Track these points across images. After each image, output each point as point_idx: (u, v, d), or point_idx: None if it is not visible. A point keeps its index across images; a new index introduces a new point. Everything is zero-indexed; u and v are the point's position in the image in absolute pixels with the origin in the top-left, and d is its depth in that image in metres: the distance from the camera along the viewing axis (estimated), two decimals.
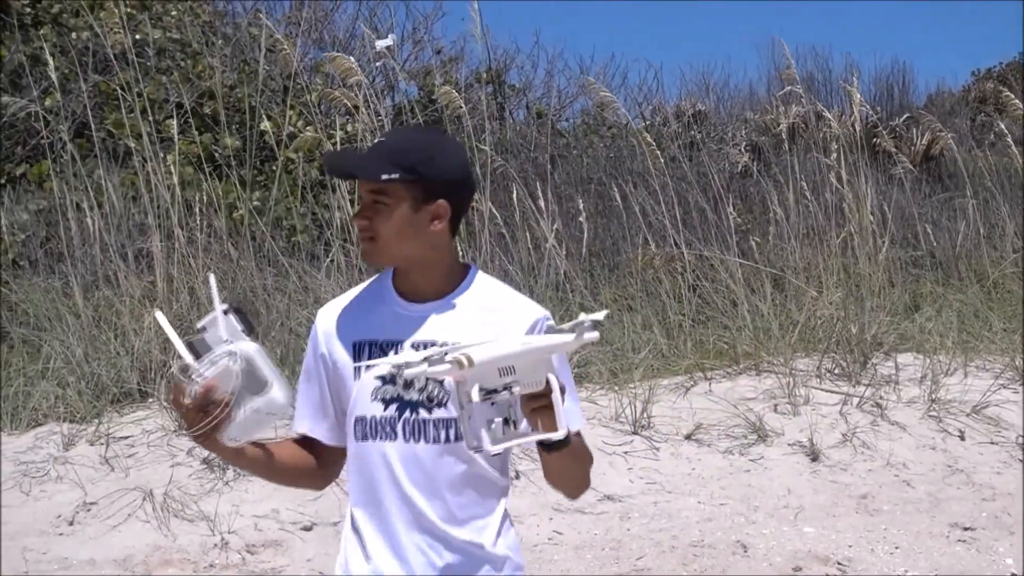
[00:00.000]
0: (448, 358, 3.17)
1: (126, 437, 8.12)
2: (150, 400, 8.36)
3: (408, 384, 3.55)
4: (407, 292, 3.63)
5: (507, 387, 3.23)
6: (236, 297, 9.04)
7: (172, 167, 9.72)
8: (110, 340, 8.66)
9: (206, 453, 7.93)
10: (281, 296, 9.31)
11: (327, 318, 3.74)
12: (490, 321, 3.54)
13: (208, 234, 9.69)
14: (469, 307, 3.60)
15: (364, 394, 3.62)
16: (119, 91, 10.12)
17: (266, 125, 11.04)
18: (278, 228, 10.43)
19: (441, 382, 3.50)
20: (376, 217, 3.52)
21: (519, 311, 3.62)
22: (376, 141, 3.56)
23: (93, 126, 10.14)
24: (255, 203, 10.40)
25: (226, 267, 9.45)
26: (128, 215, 9.62)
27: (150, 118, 10.06)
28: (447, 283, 3.63)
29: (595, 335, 3.30)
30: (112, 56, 10.78)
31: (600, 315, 3.30)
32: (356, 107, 10.19)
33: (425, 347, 3.49)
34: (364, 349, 3.61)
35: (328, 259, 9.85)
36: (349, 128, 11.00)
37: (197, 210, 9.73)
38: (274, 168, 11.01)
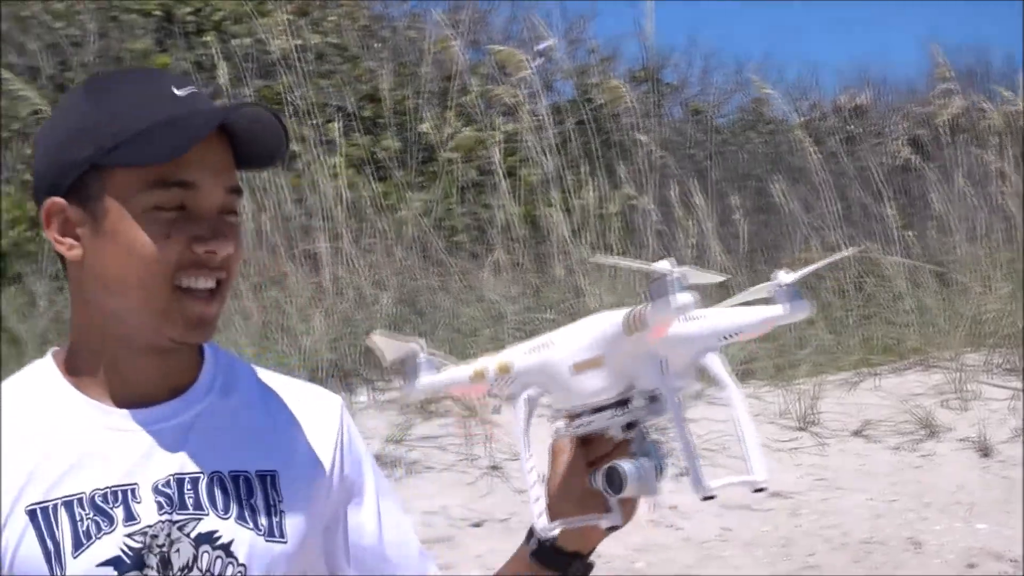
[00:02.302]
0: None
1: None
2: None
3: (166, 562, 2.01)
4: (122, 391, 2.09)
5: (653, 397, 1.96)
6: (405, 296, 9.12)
7: (336, 169, 9.85)
8: (279, 340, 8.78)
9: (376, 450, 8.03)
10: (445, 295, 9.38)
11: None
12: (275, 426, 2.15)
13: (372, 235, 9.80)
14: (232, 404, 2.15)
15: None
16: (285, 94, 10.27)
17: (426, 126, 11.13)
18: (439, 228, 10.50)
19: (227, 547, 2.04)
20: (234, 241, 2.08)
21: (314, 401, 2.22)
22: (208, 103, 2.12)
23: None
24: (416, 204, 10.49)
25: (390, 267, 9.55)
26: (294, 217, 9.76)
27: (312, 122, 10.19)
28: (189, 367, 2.14)
29: (805, 307, 2.00)
30: (275, 61, 10.93)
31: (794, 276, 1.98)
32: (516, 106, 10.24)
33: (186, 485, 2.05)
34: (56, 517, 2.00)
35: (490, 258, 9.91)
36: (509, 128, 11.04)
37: (360, 211, 9.86)
38: (434, 169, 11.10)
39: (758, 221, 11.88)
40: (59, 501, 2.00)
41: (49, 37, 11.81)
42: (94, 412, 2.07)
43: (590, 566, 2.14)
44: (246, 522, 2.06)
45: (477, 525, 7.61)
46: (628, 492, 1.97)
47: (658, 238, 10.33)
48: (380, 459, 8.04)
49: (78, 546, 1.99)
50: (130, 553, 2.00)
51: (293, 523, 2.10)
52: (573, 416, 2.02)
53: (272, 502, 2.09)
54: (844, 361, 9.71)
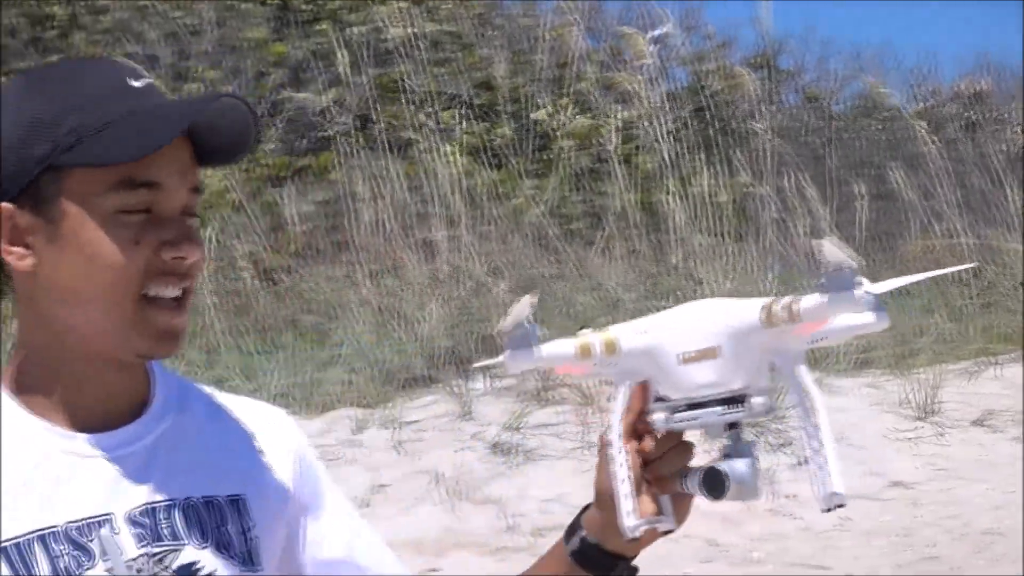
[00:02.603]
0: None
1: (415, 422, 8.28)
2: (437, 386, 8.51)
3: None
4: (79, 413, 1.88)
5: (739, 398, 1.82)
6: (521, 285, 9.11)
7: (452, 157, 9.88)
8: (396, 327, 8.83)
9: (492, 437, 8.06)
10: (561, 283, 9.37)
11: None
12: (233, 445, 1.99)
13: (487, 222, 9.82)
14: (190, 424, 1.96)
15: None
16: (401, 82, 10.32)
17: (540, 113, 11.13)
18: (554, 216, 10.50)
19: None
20: (200, 245, 1.91)
21: (264, 417, 2.05)
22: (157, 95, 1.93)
23: (380, 117, 10.36)
24: (531, 191, 10.50)
25: (507, 256, 9.56)
26: (409, 205, 9.80)
27: (430, 109, 10.24)
28: (143, 384, 1.94)
29: (887, 319, 1.79)
30: (392, 49, 10.98)
31: (882, 286, 1.78)
32: (632, 93, 10.22)
33: (160, 514, 1.88)
34: (31, 553, 1.81)
35: (605, 246, 9.88)
36: (624, 115, 11.00)
37: (475, 199, 9.88)
38: (548, 156, 11.10)
39: (876, 209, 11.76)
40: (32, 536, 1.80)
41: (167, 26, 11.95)
42: (54, 437, 1.85)
43: (635, 570, 1.95)
44: (222, 552, 1.91)
45: None
46: (730, 496, 1.82)
47: (774, 226, 10.25)
48: (496, 447, 8.06)
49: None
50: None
51: (265, 548, 1.96)
52: (670, 410, 1.86)
53: (244, 528, 1.93)
54: (964, 350, 9.59)
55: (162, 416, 1.91)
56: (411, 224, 9.75)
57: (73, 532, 1.81)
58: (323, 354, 8.86)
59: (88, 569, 1.80)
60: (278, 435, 2.02)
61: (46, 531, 1.80)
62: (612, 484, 1.86)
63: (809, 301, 1.73)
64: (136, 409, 1.90)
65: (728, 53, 13.60)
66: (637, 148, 10.61)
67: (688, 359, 1.82)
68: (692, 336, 1.84)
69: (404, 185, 9.96)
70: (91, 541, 1.81)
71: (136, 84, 1.87)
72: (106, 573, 1.80)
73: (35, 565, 1.79)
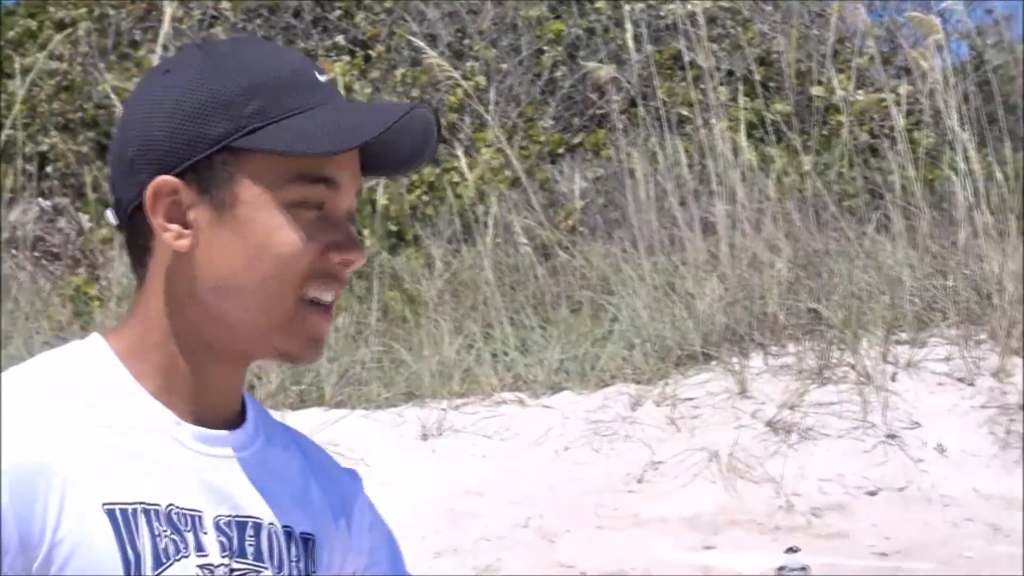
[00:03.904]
0: None
1: (691, 398, 8.28)
2: (714, 363, 8.49)
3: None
4: (186, 404, 1.82)
5: None
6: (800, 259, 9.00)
7: (728, 133, 9.84)
8: (672, 304, 8.83)
9: (771, 415, 8.01)
10: (839, 260, 9.25)
11: (33, 455, 1.69)
12: (308, 486, 1.91)
13: (763, 199, 9.75)
14: (276, 452, 1.90)
15: None
16: (683, 59, 10.32)
17: (818, 89, 11.01)
18: (831, 192, 10.38)
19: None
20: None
21: (336, 468, 1.99)
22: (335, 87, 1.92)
23: (657, 94, 10.36)
24: (807, 168, 10.39)
25: (783, 231, 9.48)
26: (686, 181, 9.78)
27: (706, 86, 10.21)
28: (240, 397, 1.89)
29: None
30: (667, 26, 10.97)
31: None
32: (914, 68, 10.04)
33: (248, 530, 1.81)
34: (136, 523, 1.71)
35: (883, 222, 9.72)
36: (901, 90, 10.80)
37: (751, 175, 9.82)
38: (825, 132, 10.97)
39: None
40: (138, 507, 1.72)
41: (447, 5, 12.11)
42: (164, 419, 1.78)
43: None
44: None
45: (872, 494, 7.52)
46: None
47: None
48: (774, 425, 8.01)
49: (158, 564, 1.71)
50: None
51: None
52: None
53: (309, 570, 1.86)
54: None
55: (256, 435, 1.85)
56: (687, 200, 9.73)
57: (173, 516, 1.74)
58: (599, 329, 8.91)
59: (183, 557, 1.73)
60: (348, 489, 1.96)
61: (150, 506, 1.73)
62: None
63: None
64: (231, 420, 1.84)
65: (1008, 26, 13.26)
66: (918, 123, 10.42)
67: None
68: None
69: (681, 161, 9.95)
70: (187, 531, 1.74)
71: (322, 79, 1.81)
72: (198, 570, 1.74)
73: (138, 536, 1.71)
